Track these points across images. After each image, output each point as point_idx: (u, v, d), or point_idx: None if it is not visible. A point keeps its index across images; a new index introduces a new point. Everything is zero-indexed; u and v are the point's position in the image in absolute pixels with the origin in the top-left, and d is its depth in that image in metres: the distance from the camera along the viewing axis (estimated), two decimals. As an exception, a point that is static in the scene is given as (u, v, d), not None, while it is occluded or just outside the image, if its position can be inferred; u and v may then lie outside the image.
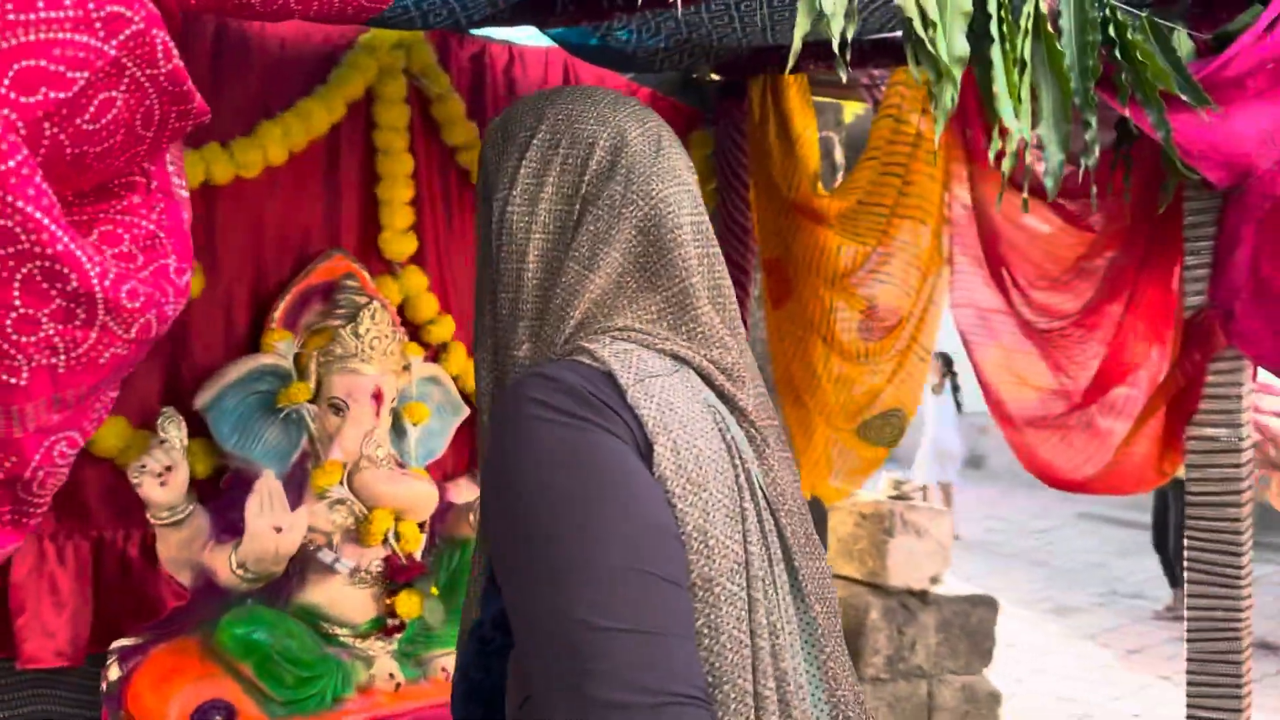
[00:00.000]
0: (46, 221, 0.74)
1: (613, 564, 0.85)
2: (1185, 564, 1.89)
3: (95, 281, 0.78)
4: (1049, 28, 1.44)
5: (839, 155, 3.42)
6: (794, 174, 2.53)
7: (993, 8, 1.37)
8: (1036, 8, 1.42)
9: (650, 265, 1.06)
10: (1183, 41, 1.61)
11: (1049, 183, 1.47)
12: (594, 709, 0.79)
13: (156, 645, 1.95)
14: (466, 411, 2.46)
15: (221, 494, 2.15)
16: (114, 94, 0.78)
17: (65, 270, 0.76)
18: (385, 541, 2.15)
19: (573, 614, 0.82)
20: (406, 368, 2.28)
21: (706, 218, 1.12)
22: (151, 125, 0.83)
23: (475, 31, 2.54)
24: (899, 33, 2.37)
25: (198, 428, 2.09)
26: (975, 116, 2.25)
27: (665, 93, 2.82)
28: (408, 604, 2.13)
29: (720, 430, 1.02)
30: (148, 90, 0.80)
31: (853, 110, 3.79)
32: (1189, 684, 1.88)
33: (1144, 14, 1.58)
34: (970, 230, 2.25)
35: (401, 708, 2.08)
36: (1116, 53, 1.49)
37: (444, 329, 2.45)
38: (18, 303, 0.76)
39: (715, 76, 2.78)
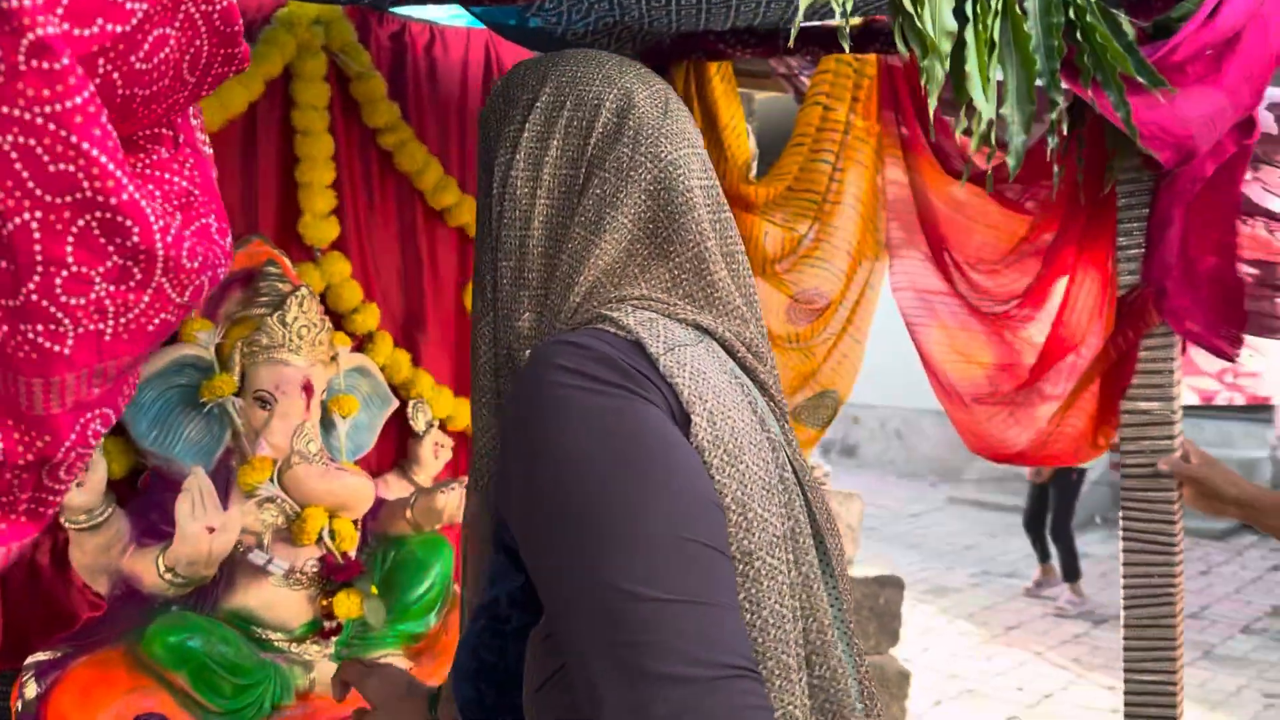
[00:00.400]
0: (112, 167, 0.66)
1: (660, 533, 0.82)
2: (1121, 534, 1.96)
3: (158, 237, 0.70)
4: (1017, 9, 1.47)
5: (752, 143, 3.44)
6: (722, 162, 2.53)
7: (969, -13, 1.38)
8: (1008, -12, 1.44)
9: (661, 230, 1.02)
10: (1127, 27, 1.66)
11: (1012, 162, 1.49)
12: (648, 682, 0.76)
13: (77, 659, 1.81)
14: (395, 403, 2.37)
15: (140, 494, 2.01)
16: (168, 31, 0.70)
17: (128, 223, 0.68)
18: (319, 540, 2.06)
19: (620, 585, 0.79)
20: (334, 358, 2.18)
21: (717, 182, 1.09)
22: (197, 69, 0.75)
23: (394, 10, 2.45)
24: (828, 21, 2.40)
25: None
26: (909, 103, 2.29)
27: (585, 78, 2.77)
28: (347, 604, 2.03)
29: (750, 403, 1.00)
30: (200, 29, 0.73)
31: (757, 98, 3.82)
32: (1126, 649, 1.94)
33: (1093, -1, 1.63)
34: (909, 215, 2.28)
35: (343, 712, 1.99)
36: (1078, 35, 1.53)
37: (369, 317, 2.35)
38: (70, 259, 0.68)
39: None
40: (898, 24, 1.32)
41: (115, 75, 0.68)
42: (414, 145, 2.42)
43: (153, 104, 0.73)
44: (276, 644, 2.00)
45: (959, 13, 1.39)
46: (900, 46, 1.33)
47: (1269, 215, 2.23)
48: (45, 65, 0.62)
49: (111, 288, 0.70)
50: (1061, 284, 2.12)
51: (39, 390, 0.71)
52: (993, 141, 1.43)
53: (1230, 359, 1.85)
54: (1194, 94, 1.63)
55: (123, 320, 0.71)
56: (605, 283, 1.02)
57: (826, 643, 0.96)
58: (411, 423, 2.39)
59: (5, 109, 0.64)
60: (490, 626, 1.02)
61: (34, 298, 0.67)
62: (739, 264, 1.08)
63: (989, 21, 1.41)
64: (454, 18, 2.72)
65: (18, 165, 0.65)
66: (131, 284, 0.70)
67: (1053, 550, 6.51)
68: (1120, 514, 1.97)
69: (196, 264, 0.73)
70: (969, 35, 1.38)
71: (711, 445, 0.91)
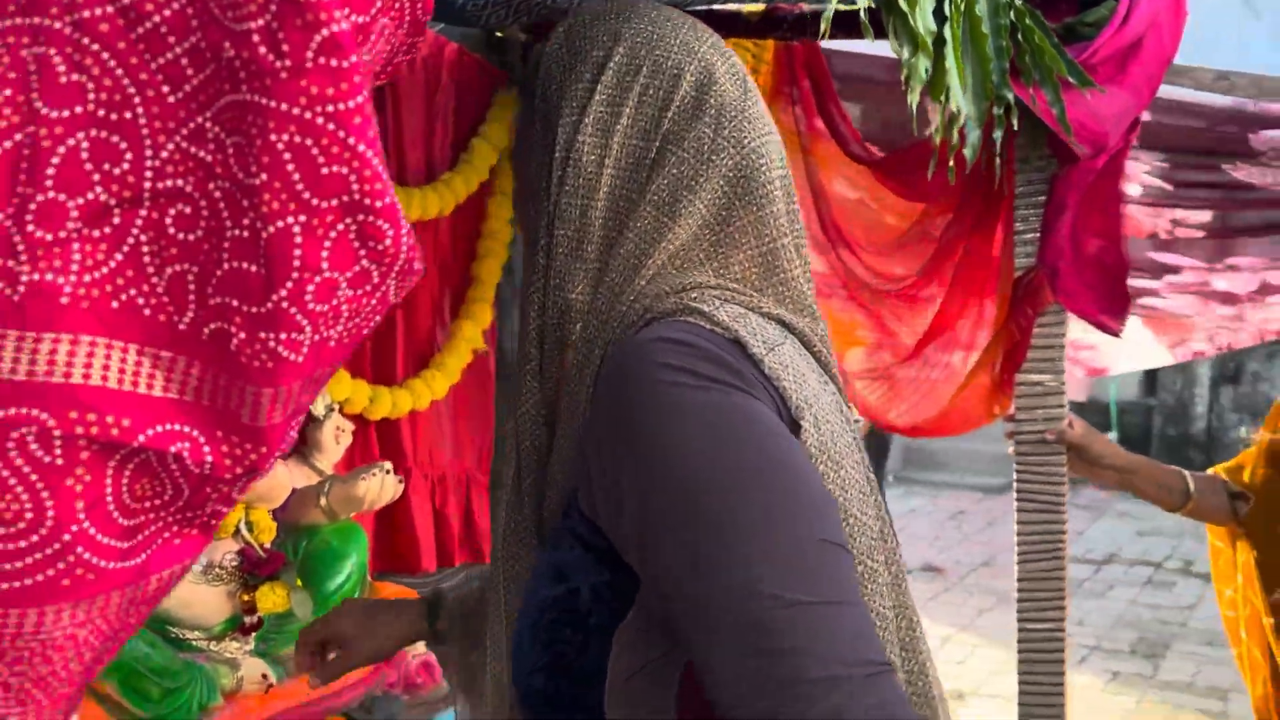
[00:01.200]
0: (381, 170, 0.61)
1: (797, 535, 0.82)
2: (1015, 495, 2.13)
3: (403, 240, 0.65)
4: (976, 11, 1.56)
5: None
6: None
7: (946, -11, 1.46)
8: (970, -9, 1.53)
9: (735, 219, 0.99)
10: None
11: (969, 154, 1.60)
12: (801, 686, 0.76)
13: (-16, 674, 1.65)
14: (295, 386, 2.26)
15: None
16: (384, 21, 0.65)
17: (384, 227, 0.63)
18: (237, 533, 1.95)
19: (762, 589, 0.79)
20: (238, 340, 2.06)
21: (790, 171, 1.09)
22: (385, 61, 0.70)
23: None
24: (729, 5, 2.44)
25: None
26: (807, 88, 2.38)
27: (470, 48, 2.71)
28: (271, 598, 1.94)
29: (838, 404, 1.01)
30: (404, 19, 0.68)
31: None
32: (1019, 600, 2.12)
33: (1021, 3, 1.75)
34: (802, 199, 2.37)
35: (270, 710, 1.90)
36: (1018, 36, 1.64)
37: (265, 297, 2.23)
38: (325, 265, 0.62)
39: (524, 36, 2.71)
40: (890, 22, 1.38)
41: None
42: (307, 115, 2.30)
43: (353, 102, 0.68)
44: (195, 643, 1.88)
45: (937, 12, 1.46)
46: (893, 44, 1.39)
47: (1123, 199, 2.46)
48: (334, 63, 0.58)
49: (351, 292, 0.65)
50: (950, 267, 2.27)
51: (266, 400, 0.65)
52: (955, 134, 1.52)
53: (1115, 334, 2.05)
54: (1107, 92, 1.79)
55: (349, 324, 0.66)
56: (670, 266, 0.98)
57: (916, 637, 0.99)
58: (310, 407, 2.29)
59: (284, 106, 0.59)
60: (566, 620, 0.99)
61: (284, 305, 0.62)
62: (805, 261, 1.06)
63: (959, 21, 1.50)
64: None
65: (290, 166, 0.60)
66: (367, 288, 0.66)
67: None
68: (1014, 478, 2.14)
69: (420, 266, 0.69)
70: (947, 33, 1.45)
71: (818, 451, 0.91)
